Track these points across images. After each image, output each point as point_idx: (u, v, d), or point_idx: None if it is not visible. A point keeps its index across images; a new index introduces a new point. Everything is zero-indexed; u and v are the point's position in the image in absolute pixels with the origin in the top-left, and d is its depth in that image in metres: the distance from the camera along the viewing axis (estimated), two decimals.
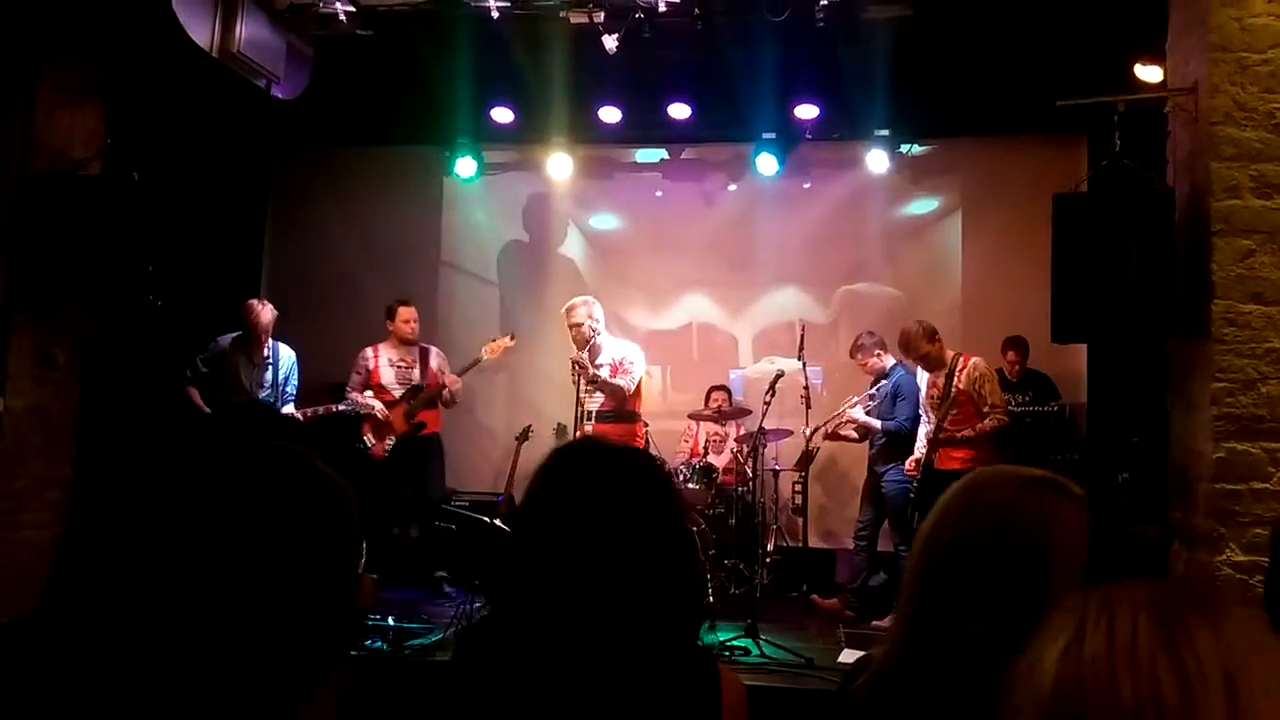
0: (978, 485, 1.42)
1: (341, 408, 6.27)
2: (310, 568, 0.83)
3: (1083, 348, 6.58)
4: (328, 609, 0.83)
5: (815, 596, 6.01)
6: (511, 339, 6.26)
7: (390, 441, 6.23)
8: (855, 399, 6.12)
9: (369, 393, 6.35)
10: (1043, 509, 1.34)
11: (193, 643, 0.78)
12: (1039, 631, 0.80)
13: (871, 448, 6.13)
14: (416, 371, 6.32)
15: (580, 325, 5.77)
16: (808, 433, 6.13)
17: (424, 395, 6.22)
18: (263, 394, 6.09)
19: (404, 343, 6.36)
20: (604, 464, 1.32)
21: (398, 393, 6.27)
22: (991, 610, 1.28)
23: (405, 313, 6.36)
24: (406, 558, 6.31)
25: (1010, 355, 6.49)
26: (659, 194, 7.97)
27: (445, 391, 6.23)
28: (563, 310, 5.96)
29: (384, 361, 6.36)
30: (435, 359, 6.40)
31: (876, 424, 5.93)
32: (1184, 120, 4.01)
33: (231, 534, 0.81)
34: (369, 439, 6.27)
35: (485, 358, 6.31)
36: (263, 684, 0.80)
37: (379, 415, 6.24)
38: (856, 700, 1.37)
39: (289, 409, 6.19)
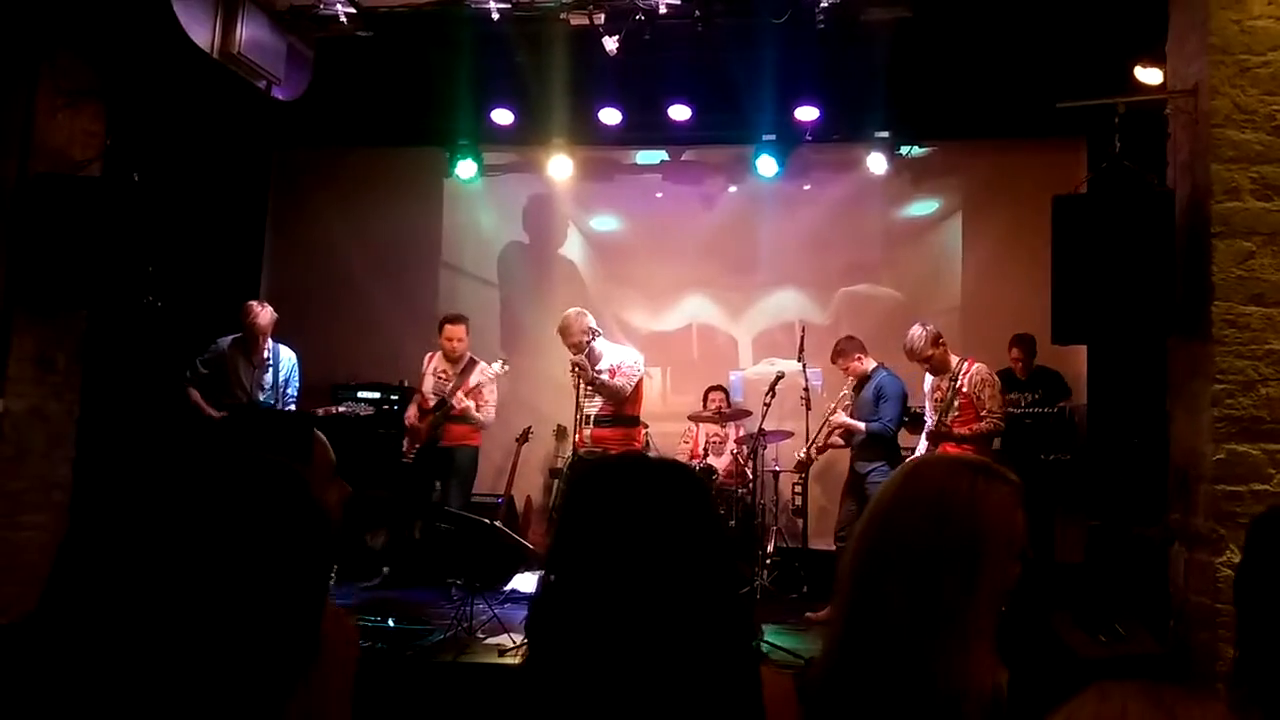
0: (911, 471, 1.46)
1: (341, 410, 6.27)
2: (286, 576, 0.88)
3: (1083, 349, 6.58)
4: (301, 612, 0.88)
5: (809, 614, 6.00)
6: (503, 365, 6.30)
7: (417, 447, 6.28)
8: (833, 405, 6.11)
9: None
10: (972, 492, 1.36)
11: (179, 640, 0.82)
12: None
13: (853, 448, 6.11)
14: (452, 386, 6.34)
15: (577, 344, 5.81)
16: (801, 455, 6.15)
17: (445, 411, 6.25)
18: (262, 396, 6.09)
19: (450, 358, 6.36)
20: (644, 479, 1.29)
21: (433, 402, 6.30)
22: (925, 594, 1.30)
23: (450, 330, 6.35)
24: (415, 559, 6.29)
25: (1014, 352, 6.44)
26: (659, 195, 7.97)
27: (456, 411, 6.23)
28: (558, 331, 5.95)
29: (430, 370, 6.42)
30: (475, 376, 6.35)
31: (860, 426, 5.92)
32: (1184, 122, 4.02)
33: (215, 540, 0.86)
34: (405, 442, 6.37)
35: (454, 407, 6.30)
36: (247, 678, 0.84)
37: (407, 421, 6.31)
38: (810, 692, 1.37)
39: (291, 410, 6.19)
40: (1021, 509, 1.39)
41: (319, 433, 1.81)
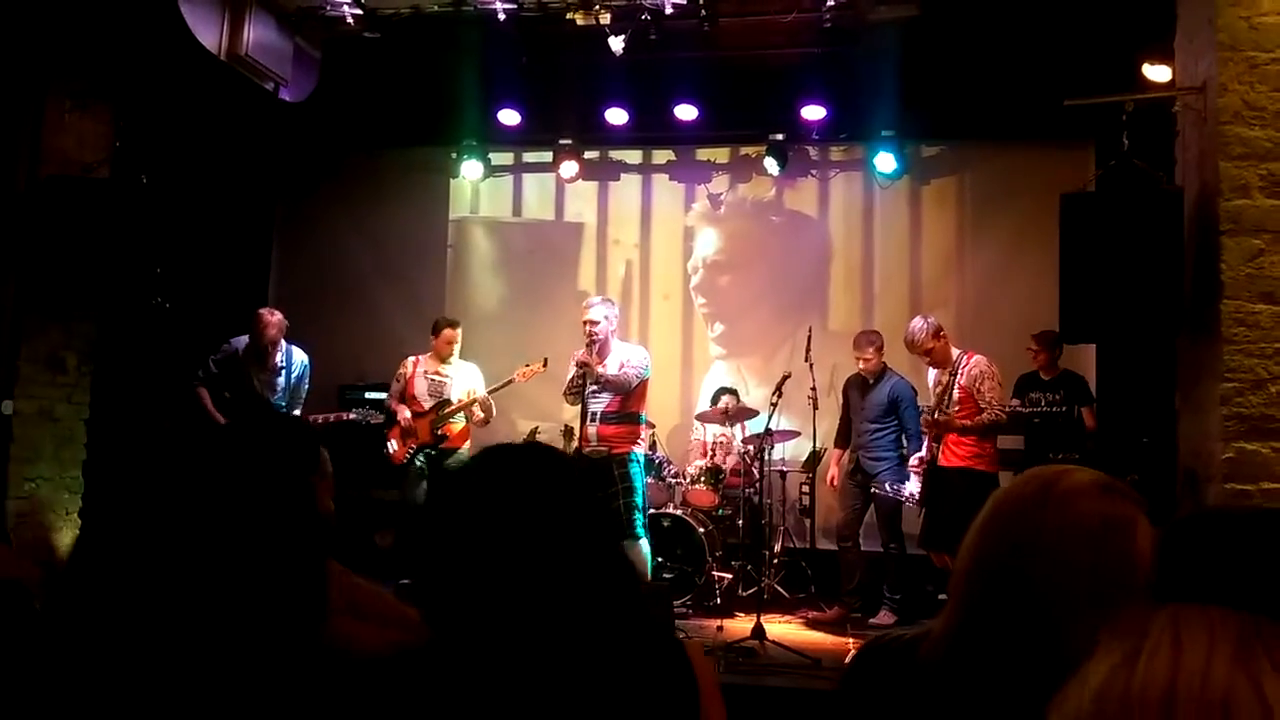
0: (1062, 491, 1.29)
1: (352, 416, 6.29)
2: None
3: (1091, 348, 6.55)
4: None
5: (815, 614, 6.00)
6: (544, 365, 6.26)
7: (412, 448, 6.27)
8: (903, 491, 5.91)
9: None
10: (1134, 527, 1.23)
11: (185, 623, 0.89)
12: (1095, 650, 0.75)
13: (861, 447, 6.08)
14: (449, 386, 6.34)
15: (596, 322, 5.79)
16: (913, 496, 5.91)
17: (450, 411, 6.25)
18: (275, 398, 6.11)
19: (443, 359, 6.38)
20: (489, 469, 1.29)
21: (428, 404, 6.30)
22: (1055, 616, 1.19)
23: (449, 334, 6.37)
24: (380, 565, 6.23)
25: (1034, 347, 6.30)
26: (666, 195, 7.97)
27: (476, 408, 6.24)
28: (584, 305, 5.96)
29: (420, 373, 6.39)
30: (470, 378, 6.39)
31: (912, 491, 5.84)
32: (1193, 120, 4.00)
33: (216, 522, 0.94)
34: (393, 443, 6.32)
35: (518, 380, 6.33)
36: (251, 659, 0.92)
37: (403, 423, 6.28)
38: (875, 691, 1.32)
39: (297, 413, 6.19)
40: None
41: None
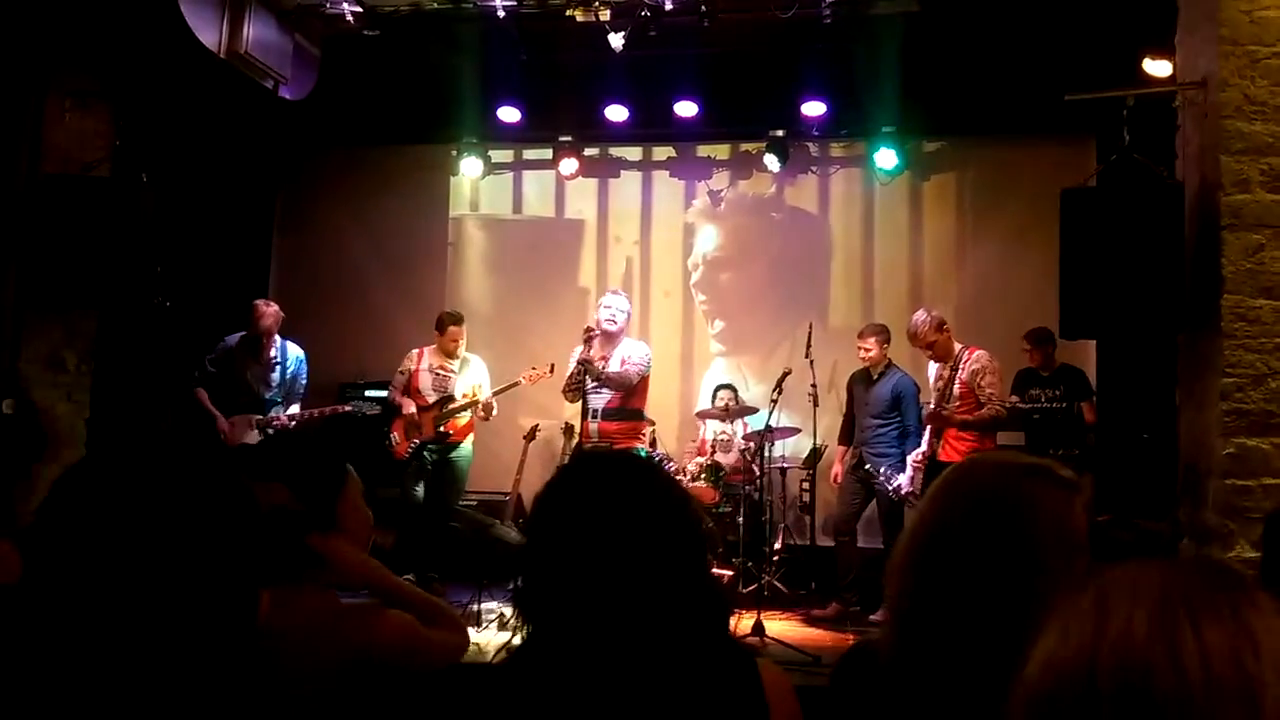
0: (964, 470, 1.40)
1: (348, 409, 6.29)
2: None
3: (1092, 343, 6.54)
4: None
5: (816, 611, 5.99)
6: (551, 371, 6.27)
7: (415, 442, 6.27)
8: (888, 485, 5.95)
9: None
10: (1019, 493, 1.30)
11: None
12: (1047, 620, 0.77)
13: (862, 443, 6.08)
14: (453, 381, 6.35)
15: (612, 315, 5.84)
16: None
17: (455, 408, 6.26)
18: (269, 394, 6.11)
19: (447, 354, 6.39)
20: (605, 472, 1.32)
21: (431, 398, 6.31)
22: (981, 604, 1.24)
23: (454, 331, 6.38)
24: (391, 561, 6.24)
25: (1027, 346, 6.33)
26: (666, 192, 7.96)
27: (480, 408, 6.26)
28: (603, 297, 5.99)
29: (424, 367, 6.41)
30: (476, 372, 6.41)
31: (900, 483, 5.84)
32: (1194, 114, 3.99)
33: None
34: (395, 436, 6.31)
35: (524, 384, 6.34)
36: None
37: (407, 416, 6.29)
38: (853, 693, 1.36)
39: (295, 408, 6.21)
40: (1081, 510, 1.31)
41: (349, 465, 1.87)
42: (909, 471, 5.79)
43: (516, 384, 6.36)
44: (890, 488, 5.80)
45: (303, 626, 1.59)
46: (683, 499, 1.32)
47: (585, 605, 1.20)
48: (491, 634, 4.84)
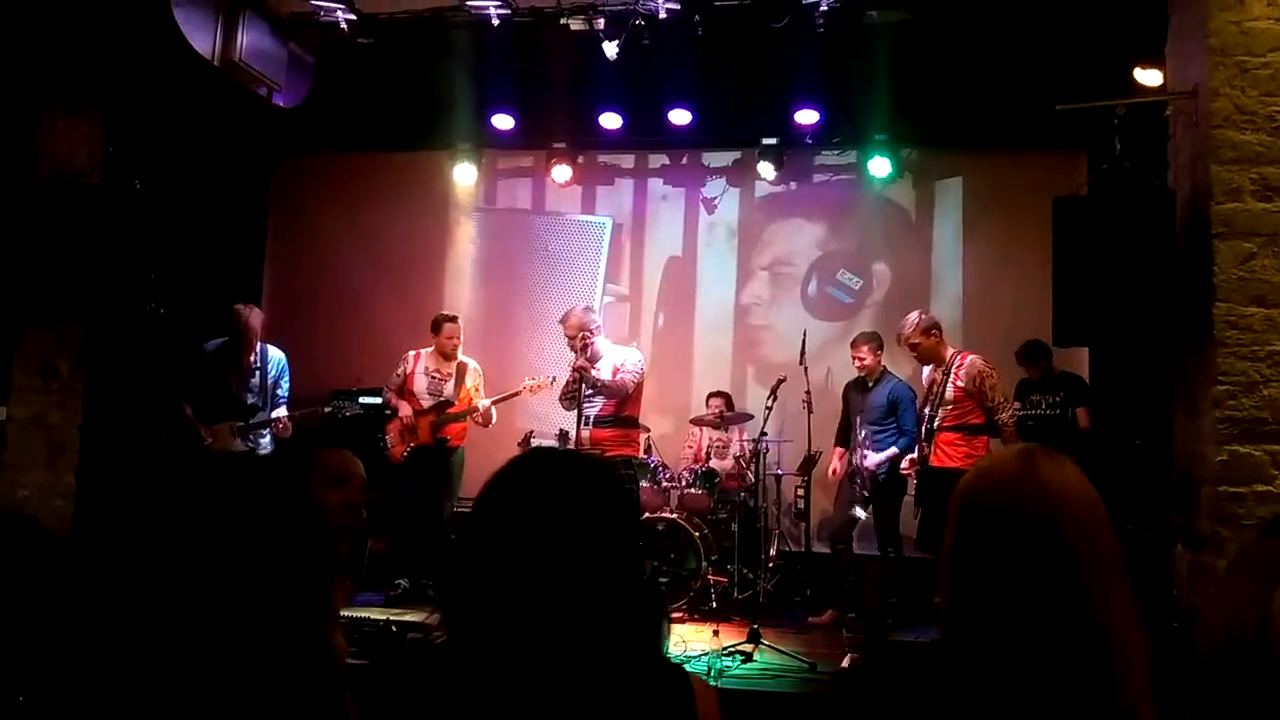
0: (980, 469, 1.39)
1: (327, 410, 6.24)
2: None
3: (1085, 351, 6.57)
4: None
5: (811, 619, 6.00)
6: (552, 382, 6.25)
7: (411, 447, 6.23)
8: (853, 460, 6.04)
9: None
10: (1033, 472, 1.30)
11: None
12: None
13: (861, 446, 6.10)
14: (449, 386, 6.30)
15: (572, 336, 5.82)
16: (861, 517, 6.00)
17: (452, 413, 6.23)
18: (251, 399, 6.07)
19: (444, 356, 6.35)
20: (551, 471, 1.29)
21: (427, 403, 6.26)
22: (1023, 602, 1.22)
23: (450, 329, 6.34)
24: (375, 571, 6.19)
25: (1020, 362, 6.37)
26: (660, 199, 7.98)
27: (478, 415, 6.24)
28: (559, 321, 5.99)
29: (420, 369, 6.35)
30: (472, 377, 6.37)
31: (892, 451, 5.89)
32: (1185, 124, 4.02)
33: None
34: (390, 438, 6.26)
35: (523, 394, 6.32)
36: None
37: (404, 420, 6.24)
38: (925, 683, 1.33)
39: (279, 411, 6.16)
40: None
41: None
42: (887, 453, 5.86)
43: (517, 394, 6.34)
44: (866, 466, 5.89)
45: None
46: (624, 503, 1.29)
47: (510, 605, 1.17)
48: None
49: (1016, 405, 5.95)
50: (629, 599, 1.22)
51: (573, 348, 5.87)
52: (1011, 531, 1.27)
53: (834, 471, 6.34)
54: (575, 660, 1.16)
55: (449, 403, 6.25)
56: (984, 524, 1.30)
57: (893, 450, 5.89)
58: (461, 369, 6.37)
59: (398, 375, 6.39)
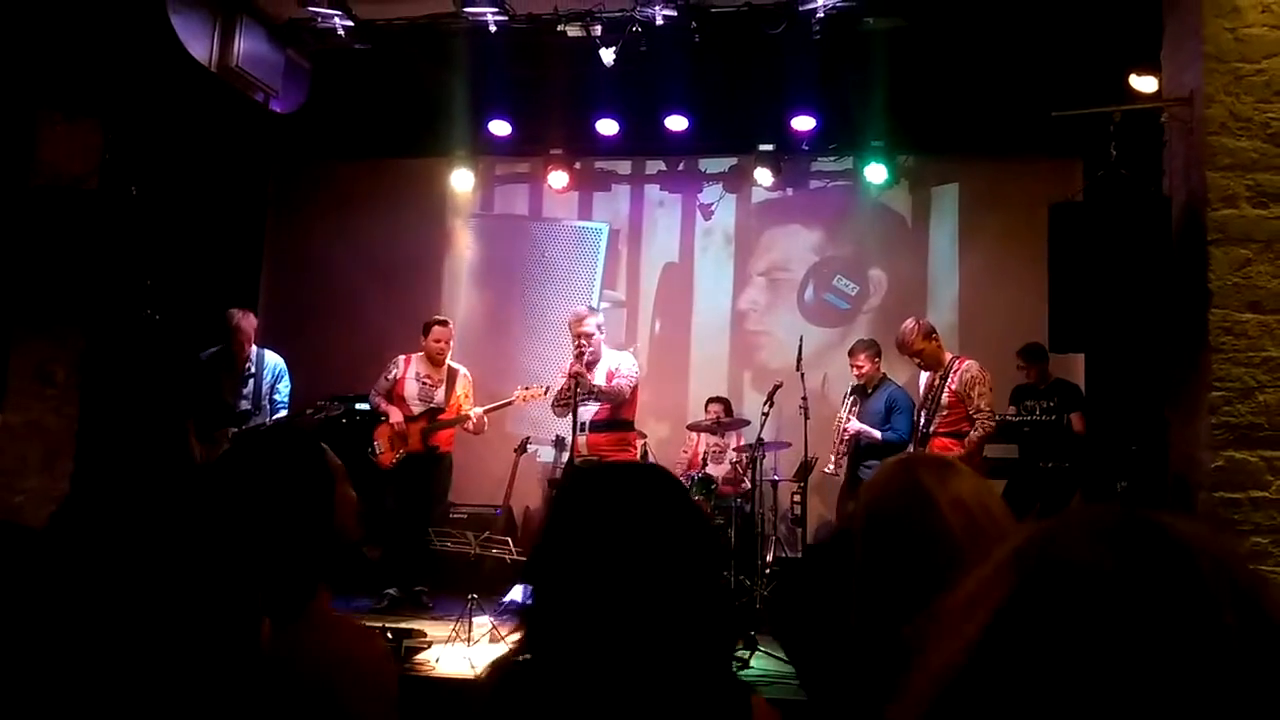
0: (875, 476, 1.55)
1: (308, 412, 6.20)
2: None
3: (1080, 357, 6.58)
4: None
5: None
6: (545, 391, 6.21)
7: (401, 454, 6.17)
8: (843, 414, 6.09)
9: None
10: (910, 485, 1.37)
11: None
12: None
13: (858, 453, 6.10)
14: (440, 392, 6.23)
15: (591, 335, 5.80)
16: (830, 469, 6.06)
17: (443, 420, 6.18)
18: (245, 405, 6.03)
19: (434, 361, 6.31)
20: (620, 486, 1.29)
21: (417, 409, 6.18)
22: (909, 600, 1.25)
23: (438, 332, 6.25)
24: (363, 572, 6.15)
25: (1020, 363, 6.37)
26: (657, 205, 7.99)
27: (470, 423, 6.19)
28: (575, 318, 5.96)
29: (411, 374, 6.27)
30: (462, 384, 6.32)
31: (876, 434, 5.92)
32: (1180, 130, 4.03)
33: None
34: (379, 444, 6.20)
35: (517, 403, 6.28)
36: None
37: (394, 426, 6.18)
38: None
39: (280, 416, 6.14)
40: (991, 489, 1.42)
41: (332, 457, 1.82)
42: (874, 430, 5.89)
43: (510, 403, 6.31)
44: (848, 428, 5.95)
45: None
46: (703, 516, 1.33)
47: (598, 623, 1.17)
48: (483, 647, 4.82)
49: (1011, 411, 5.94)
50: (712, 613, 1.23)
51: (577, 348, 5.87)
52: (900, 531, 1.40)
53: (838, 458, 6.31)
54: (659, 677, 1.16)
55: (439, 409, 6.21)
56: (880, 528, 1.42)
57: (880, 434, 5.88)
58: (452, 375, 6.32)
59: (387, 379, 6.30)
